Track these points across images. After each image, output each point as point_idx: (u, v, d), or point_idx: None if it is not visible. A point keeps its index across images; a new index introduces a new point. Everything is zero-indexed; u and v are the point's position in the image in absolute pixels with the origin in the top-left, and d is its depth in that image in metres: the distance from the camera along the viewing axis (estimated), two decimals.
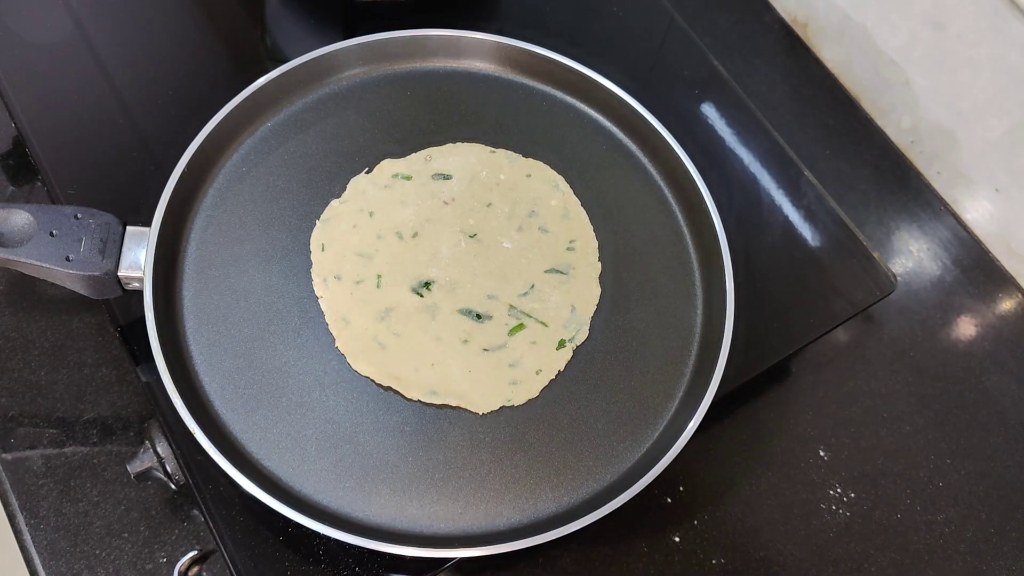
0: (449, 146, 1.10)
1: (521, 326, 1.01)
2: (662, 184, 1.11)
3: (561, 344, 1.01)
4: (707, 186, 1.06)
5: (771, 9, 1.43)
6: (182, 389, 0.91)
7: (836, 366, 1.16)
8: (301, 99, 1.11)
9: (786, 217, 1.16)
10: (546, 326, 1.01)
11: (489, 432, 0.97)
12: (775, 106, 1.32)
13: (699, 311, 1.05)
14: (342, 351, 0.98)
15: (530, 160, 1.10)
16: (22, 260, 0.92)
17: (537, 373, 0.99)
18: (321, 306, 1.00)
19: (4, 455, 1.01)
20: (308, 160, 1.07)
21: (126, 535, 0.98)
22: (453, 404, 0.97)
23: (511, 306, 1.02)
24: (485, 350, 1.00)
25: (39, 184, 1.13)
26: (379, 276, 1.02)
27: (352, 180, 1.07)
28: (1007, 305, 1.23)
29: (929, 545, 1.08)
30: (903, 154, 1.33)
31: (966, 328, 1.21)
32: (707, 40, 1.30)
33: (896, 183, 1.30)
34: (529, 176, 1.09)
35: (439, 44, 1.14)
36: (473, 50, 1.15)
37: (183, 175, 1.00)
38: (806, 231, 1.15)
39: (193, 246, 1.02)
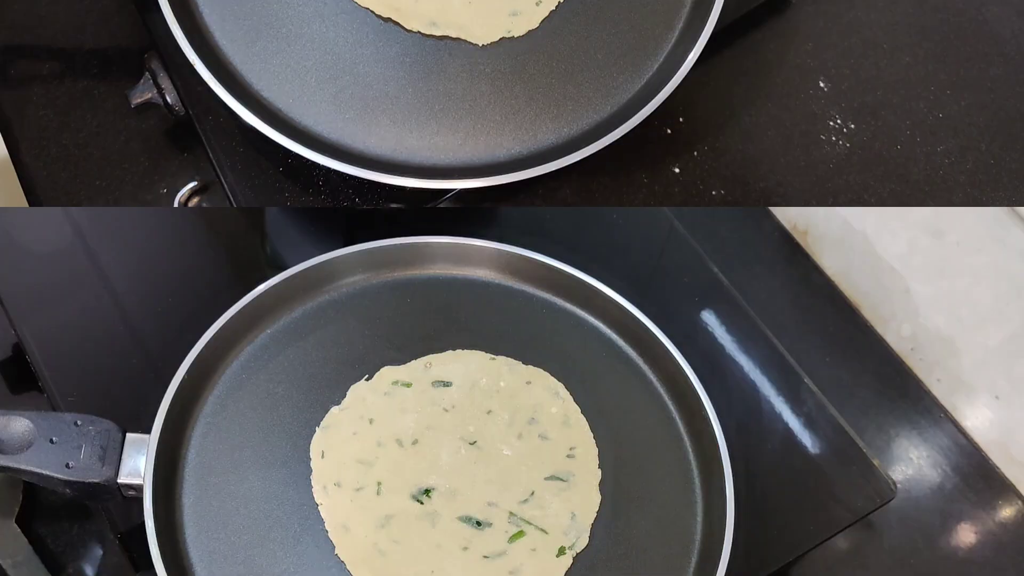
0: (449, 353, 1.11)
1: (521, 533, 1.00)
2: (662, 391, 1.11)
3: (561, 551, 1.00)
4: (707, 393, 1.07)
5: (771, 216, 1.45)
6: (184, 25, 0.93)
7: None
8: (301, 306, 1.11)
9: (786, 424, 1.16)
10: (546, 533, 1.00)
11: (489, 63, 0.98)
12: (775, 313, 1.33)
13: (699, 518, 1.03)
14: (342, 558, 0.97)
15: (530, 367, 1.11)
16: (22, 467, 0.92)
17: None
18: (321, 513, 0.99)
19: (4, 88, 1.01)
20: (308, 367, 1.08)
21: (126, 166, 1.00)
22: (453, 35, 0.97)
23: (511, 513, 1.01)
24: (485, 557, 0.99)
25: (39, 391, 1.13)
26: (379, 483, 1.01)
27: (352, 387, 1.07)
28: (1007, 512, 1.22)
29: (929, 176, 1.08)
30: (903, 361, 1.33)
31: (966, 536, 1.20)
32: (707, 247, 1.31)
33: (896, 390, 1.30)
34: (529, 383, 1.09)
35: (439, 251, 1.16)
36: (473, 257, 1.16)
37: (183, 383, 1.01)
38: (806, 438, 1.15)
39: (193, 453, 1.01)
